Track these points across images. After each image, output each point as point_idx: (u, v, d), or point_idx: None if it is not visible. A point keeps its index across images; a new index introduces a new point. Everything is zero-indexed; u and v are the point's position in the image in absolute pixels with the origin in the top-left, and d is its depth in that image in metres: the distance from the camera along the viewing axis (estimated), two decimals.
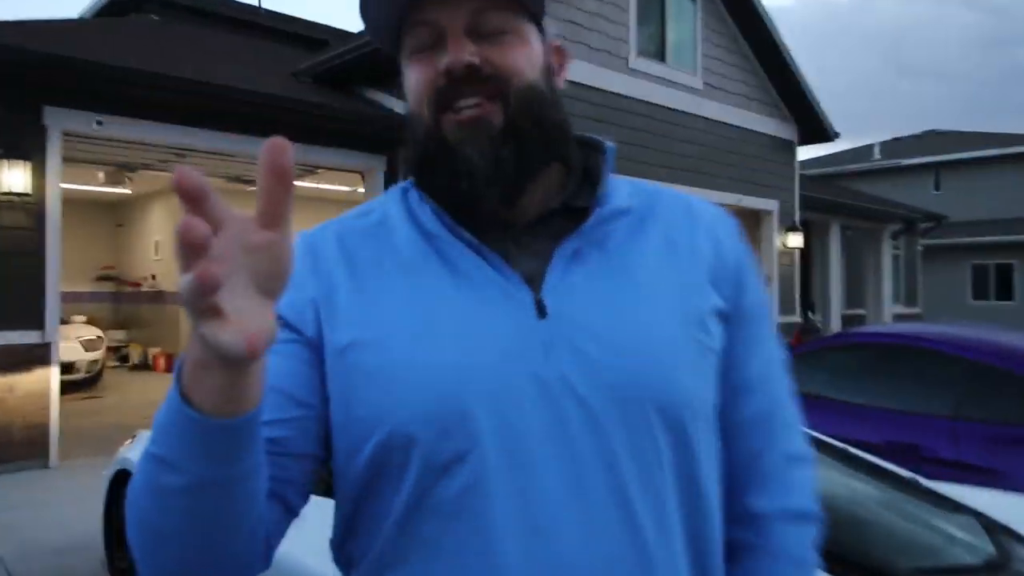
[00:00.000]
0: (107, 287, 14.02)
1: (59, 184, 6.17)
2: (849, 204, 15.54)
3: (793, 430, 0.94)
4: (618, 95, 9.82)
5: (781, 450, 0.91)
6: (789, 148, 12.83)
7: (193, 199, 0.51)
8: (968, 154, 24.43)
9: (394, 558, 0.81)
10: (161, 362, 13.10)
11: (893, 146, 27.84)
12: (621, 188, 0.91)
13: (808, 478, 0.93)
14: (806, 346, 6.27)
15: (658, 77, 10.67)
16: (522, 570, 0.75)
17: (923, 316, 17.76)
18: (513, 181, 0.83)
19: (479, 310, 0.82)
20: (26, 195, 5.85)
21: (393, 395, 0.79)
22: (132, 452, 3.71)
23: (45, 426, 5.92)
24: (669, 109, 10.74)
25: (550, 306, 0.81)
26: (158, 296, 13.15)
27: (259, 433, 0.68)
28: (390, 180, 8.69)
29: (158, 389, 10.12)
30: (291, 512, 0.84)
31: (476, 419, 0.77)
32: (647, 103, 10.39)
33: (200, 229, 0.49)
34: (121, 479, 3.74)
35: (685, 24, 11.15)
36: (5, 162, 5.72)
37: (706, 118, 11.33)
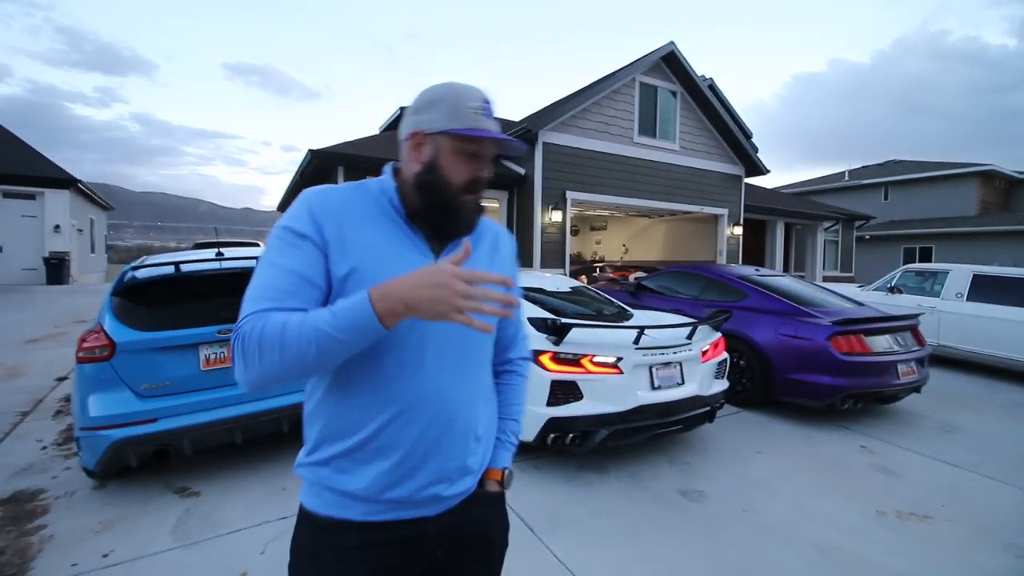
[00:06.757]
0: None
1: None
2: (781, 208, 14.13)
3: (523, 328, 1.11)
4: (627, 157, 10.48)
5: (521, 336, 1.09)
6: (737, 179, 12.43)
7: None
8: (905, 176, 21.90)
9: (366, 364, 0.83)
10: None
11: (861, 171, 24.73)
12: (483, 223, 0.98)
13: (528, 346, 1.11)
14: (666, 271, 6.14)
15: (650, 146, 10.88)
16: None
17: (855, 279, 16.59)
18: (468, 225, 0.91)
19: (413, 257, 0.85)
20: None
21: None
22: None
23: None
24: (657, 162, 11.01)
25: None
26: None
27: None
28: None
29: None
30: None
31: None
32: (644, 159, 10.82)
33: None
34: None
35: (668, 113, 11.08)
36: None
37: (682, 166, 11.40)
